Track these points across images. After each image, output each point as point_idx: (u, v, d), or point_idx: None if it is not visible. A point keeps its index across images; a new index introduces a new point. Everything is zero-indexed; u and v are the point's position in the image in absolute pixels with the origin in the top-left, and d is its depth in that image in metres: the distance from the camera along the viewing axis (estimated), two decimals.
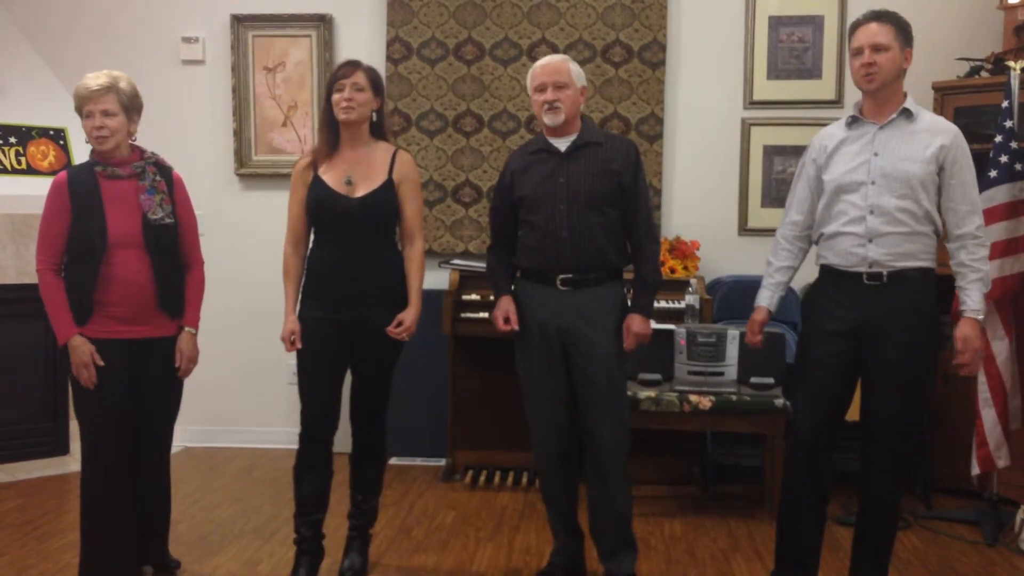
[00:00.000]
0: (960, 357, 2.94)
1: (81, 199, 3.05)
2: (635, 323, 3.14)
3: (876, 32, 2.91)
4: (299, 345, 3.20)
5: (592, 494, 3.22)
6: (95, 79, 3.06)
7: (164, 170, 3.20)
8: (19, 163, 4.74)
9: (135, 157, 3.15)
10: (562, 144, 3.17)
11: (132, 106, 3.12)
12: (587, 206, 3.10)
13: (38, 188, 4.69)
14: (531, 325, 3.17)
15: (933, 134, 2.91)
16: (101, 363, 3.03)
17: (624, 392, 3.22)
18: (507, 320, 3.19)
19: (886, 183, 2.90)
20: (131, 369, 3.11)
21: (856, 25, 2.98)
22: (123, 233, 3.05)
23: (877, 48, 2.90)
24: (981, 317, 2.94)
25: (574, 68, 3.17)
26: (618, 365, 3.17)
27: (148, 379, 3.14)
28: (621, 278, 3.23)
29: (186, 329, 3.20)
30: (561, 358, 3.16)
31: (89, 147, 3.16)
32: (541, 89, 3.12)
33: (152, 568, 3.33)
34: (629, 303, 3.22)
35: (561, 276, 3.14)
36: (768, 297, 3.16)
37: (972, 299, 2.91)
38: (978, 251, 2.92)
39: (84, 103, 3.06)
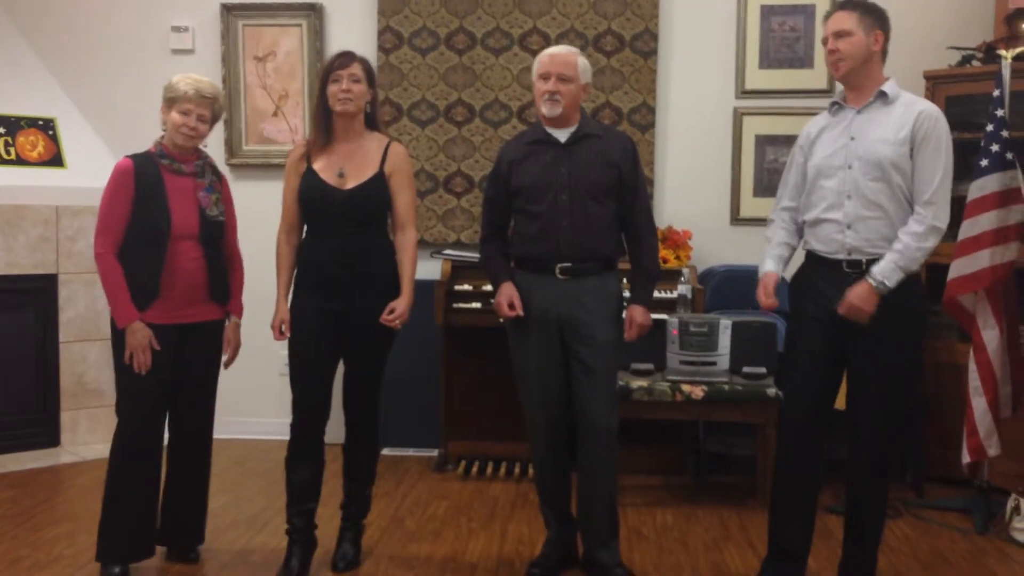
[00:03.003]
0: (840, 308, 2.87)
1: (146, 188, 3.17)
2: (638, 314, 3.18)
3: (838, 19, 2.96)
4: (288, 334, 3.22)
5: (584, 482, 3.23)
6: (204, 85, 3.22)
7: (216, 171, 3.36)
8: (8, 153, 4.72)
9: (195, 156, 3.29)
10: (562, 135, 3.18)
11: (217, 118, 3.32)
12: (588, 196, 3.12)
13: (27, 179, 4.69)
14: (530, 314, 3.17)
15: (907, 115, 2.92)
16: (158, 347, 3.15)
17: (615, 385, 3.24)
18: (511, 306, 3.18)
19: (862, 166, 2.92)
20: (177, 351, 3.24)
21: (825, 17, 3.05)
22: (183, 225, 3.19)
23: (839, 35, 2.94)
24: (876, 284, 2.83)
25: (582, 63, 3.16)
26: (615, 355, 3.19)
27: (191, 361, 3.28)
28: (616, 269, 3.26)
29: (233, 319, 3.37)
30: (559, 347, 3.17)
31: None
32: (545, 77, 3.13)
33: (177, 554, 3.42)
34: (627, 294, 3.25)
35: (560, 265, 3.14)
36: (774, 264, 3.13)
37: (878, 266, 2.85)
38: (912, 226, 2.86)
39: (186, 101, 3.17)
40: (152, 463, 3.24)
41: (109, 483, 3.21)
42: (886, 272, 2.84)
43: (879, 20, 2.97)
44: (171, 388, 3.30)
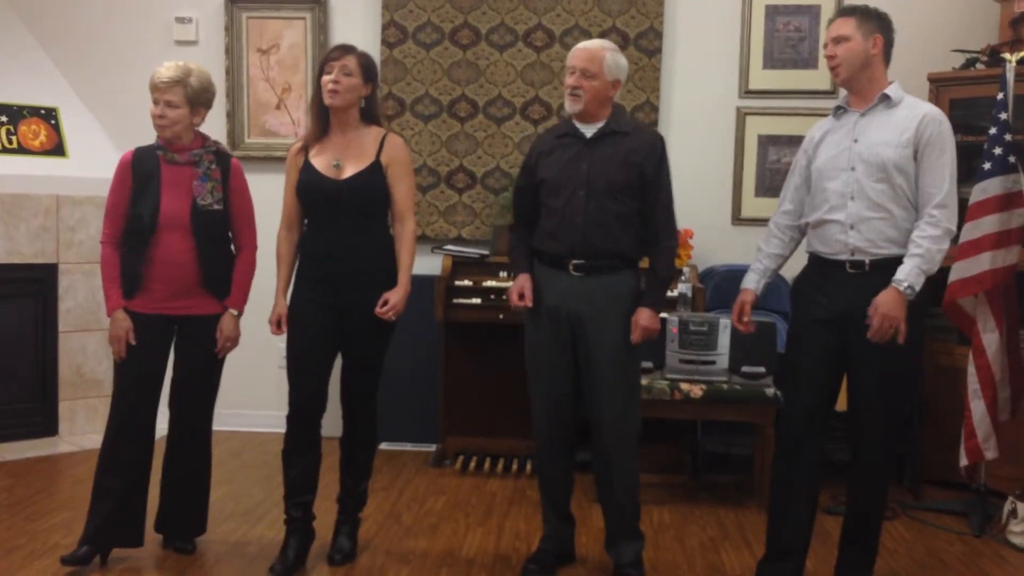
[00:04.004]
0: (870, 322, 2.85)
1: (142, 179, 3.22)
2: (643, 317, 3.12)
3: (837, 25, 2.99)
4: (284, 329, 3.22)
5: (597, 481, 3.25)
6: (167, 71, 3.20)
7: (223, 158, 3.31)
8: (10, 142, 4.71)
9: (196, 144, 3.27)
10: (589, 131, 3.16)
11: (198, 100, 3.25)
12: (605, 194, 3.09)
13: (29, 168, 4.68)
14: (542, 308, 3.17)
15: (911, 118, 2.93)
16: (133, 342, 3.18)
17: (632, 383, 3.20)
18: (522, 297, 3.17)
19: (865, 168, 2.93)
20: (170, 343, 3.28)
21: (828, 23, 3.07)
22: (173, 215, 3.19)
23: (837, 40, 2.97)
24: (903, 288, 2.83)
25: (610, 59, 3.11)
26: (625, 354, 3.15)
27: (187, 354, 3.30)
28: (636, 268, 3.21)
29: (229, 310, 3.32)
30: (569, 343, 3.16)
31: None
32: (570, 71, 3.11)
33: (174, 545, 3.43)
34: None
35: (573, 262, 3.13)
36: (754, 281, 3.19)
37: (901, 271, 2.85)
38: (927, 229, 2.87)
39: (154, 90, 3.21)
40: (139, 452, 3.26)
41: (97, 469, 3.25)
42: (911, 276, 2.84)
43: (878, 24, 2.98)
44: (171, 382, 3.32)
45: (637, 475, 3.23)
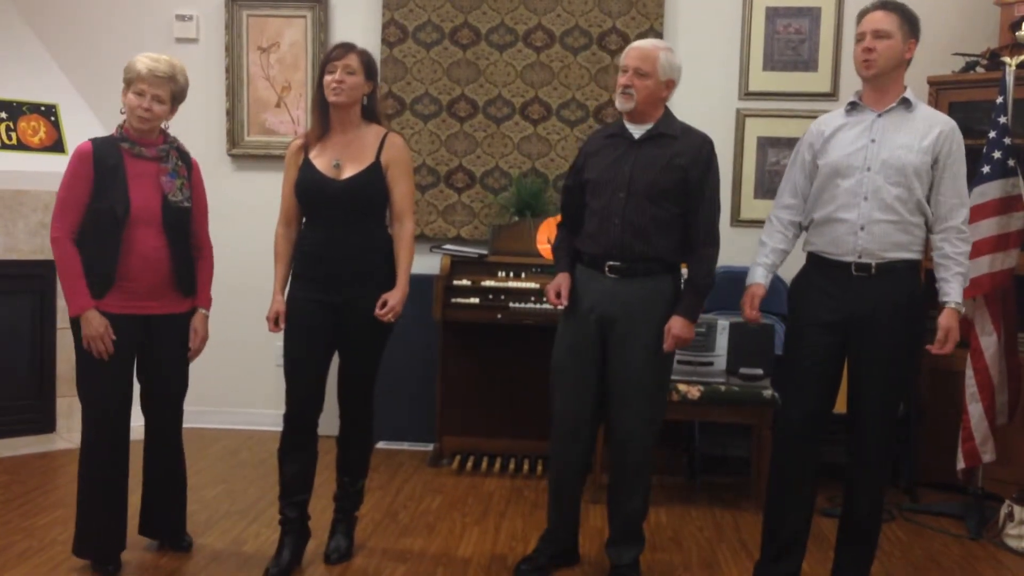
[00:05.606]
0: (943, 347, 2.92)
1: (105, 172, 3.08)
2: (675, 325, 3.06)
3: (880, 19, 2.93)
4: (282, 326, 3.21)
5: (609, 483, 3.25)
6: (159, 64, 3.12)
7: (184, 155, 3.27)
8: (9, 139, 4.71)
9: (160, 140, 3.21)
10: (637, 132, 3.14)
11: (179, 98, 3.21)
12: (645, 197, 3.06)
13: (28, 164, 4.68)
14: (576, 308, 3.16)
15: (931, 125, 2.93)
16: (113, 336, 3.07)
17: (659, 389, 3.17)
18: (558, 296, 3.17)
19: (883, 170, 2.91)
20: (142, 345, 3.18)
21: (863, 13, 3.01)
22: (143, 210, 3.09)
23: (878, 34, 2.91)
24: (959, 307, 2.92)
25: (664, 58, 3.08)
26: (654, 361, 3.11)
27: (159, 354, 3.21)
28: (676, 273, 3.17)
29: (200, 310, 3.28)
30: (598, 345, 3.14)
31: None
32: (623, 70, 3.09)
33: (167, 544, 3.40)
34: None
35: (609, 263, 3.11)
36: (763, 275, 3.14)
37: (955, 291, 2.91)
38: (961, 245, 2.92)
39: (140, 81, 3.09)
40: (121, 456, 3.19)
41: (81, 479, 3.17)
42: (960, 293, 2.92)
43: (915, 30, 2.96)
44: (142, 383, 3.24)
45: (650, 481, 3.23)
